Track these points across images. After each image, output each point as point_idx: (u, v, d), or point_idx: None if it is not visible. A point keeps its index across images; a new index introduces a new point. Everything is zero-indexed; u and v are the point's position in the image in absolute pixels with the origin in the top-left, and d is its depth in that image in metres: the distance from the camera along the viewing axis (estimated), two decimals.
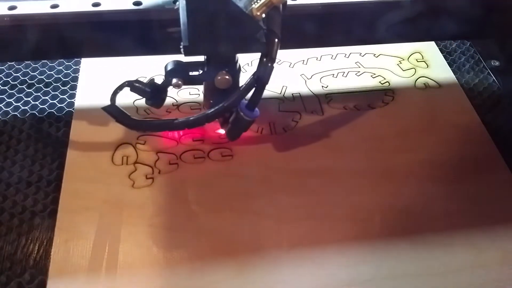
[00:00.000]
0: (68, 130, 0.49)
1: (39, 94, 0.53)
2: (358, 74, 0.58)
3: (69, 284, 0.39)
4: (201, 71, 0.42)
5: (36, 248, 0.41)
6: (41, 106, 0.52)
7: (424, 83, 0.58)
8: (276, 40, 0.38)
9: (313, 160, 0.49)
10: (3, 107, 0.52)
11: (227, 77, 0.41)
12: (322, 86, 0.57)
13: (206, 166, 0.48)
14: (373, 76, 0.58)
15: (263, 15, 0.36)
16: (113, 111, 0.42)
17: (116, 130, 0.50)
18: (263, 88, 0.40)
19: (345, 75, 0.58)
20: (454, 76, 0.59)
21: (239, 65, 0.43)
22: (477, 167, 0.50)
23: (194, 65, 0.42)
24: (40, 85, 0.54)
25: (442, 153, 0.51)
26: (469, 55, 0.63)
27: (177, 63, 0.42)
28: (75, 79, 0.55)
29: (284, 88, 0.56)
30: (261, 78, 0.39)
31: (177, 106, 0.53)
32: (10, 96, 0.53)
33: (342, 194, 0.46)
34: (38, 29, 0.42)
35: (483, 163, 0.50)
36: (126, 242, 0.42)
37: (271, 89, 0.55)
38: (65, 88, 0.54)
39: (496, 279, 0.42)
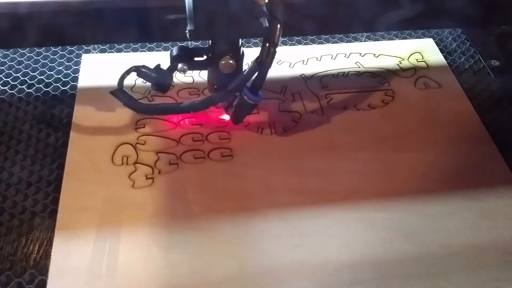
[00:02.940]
0: (68, 130, 0.49)
1: (39, 94, 0.53)
2: (358, 74, 0.58)
3: (69, 284, 0.39)
4: (205, 57, 0.43)
5: (36, 248, 0.41)
6: (41, 106, 0.52)
7: (424, 83, 0.58)
8: (279, 25, 0.38)
9: (313, 160, 0.49)
10: (3, 107, 0.52)
11: (231, 61, 0.42)
12: (322, 86, 0.57)
13: (206, 166, 0.48)
14: (373, 76, 0.58)
15: (266, 0, 0.37)
16: (120, 95, 0.43)
17: (116, 131, 0.50)
18: (266, 72, 0.41)
19: (345, 75, 0.58)
20: (454, 76, 0.59)
21: (243, 50, 0.44)
22: (477, 167, 0.50)
23: (199, 50, 0.44)
24: (40, 85, 0.54)
25: (442, 153, 0.51)
26: (469, 55, 0.63)
27: (182, 48, 0.43)
28: (75, 79, 0.55)
29: (284, 88, 0.56)
30: (263, 62, 0.40)
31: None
32: (10, 96, 0.53)
33: (342, 194, 0.46)
34: (37, 17, 0.43)
35: (483, 163, 0.50)
36: (126, 242, 0.42)
37: (271, 89, 0.55)
38: (65, 88, 0.54)
39: (496, 279, 0.42)
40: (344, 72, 0.58)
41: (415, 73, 0.59)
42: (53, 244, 0.41)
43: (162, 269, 0.40)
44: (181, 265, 0.41)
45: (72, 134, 0.49)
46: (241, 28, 0.40)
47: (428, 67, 0.60)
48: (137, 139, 0.49)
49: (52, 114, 0.51)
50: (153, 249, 0.41)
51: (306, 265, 0.41)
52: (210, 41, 0.43)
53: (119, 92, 0.43)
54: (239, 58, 0.44)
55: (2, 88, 0.53)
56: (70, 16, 0.45)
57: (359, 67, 0.59)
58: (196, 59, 0.44)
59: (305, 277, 0.41)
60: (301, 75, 0.58)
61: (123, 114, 0.51)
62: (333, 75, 0.58)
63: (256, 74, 0.42)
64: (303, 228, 0.44)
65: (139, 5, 0.46)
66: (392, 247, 0.43)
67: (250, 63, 0.42)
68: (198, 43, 0.55)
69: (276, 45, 0.39)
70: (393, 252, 0.43)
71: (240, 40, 0.44)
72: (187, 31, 0.39)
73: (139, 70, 0.44)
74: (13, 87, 0.54)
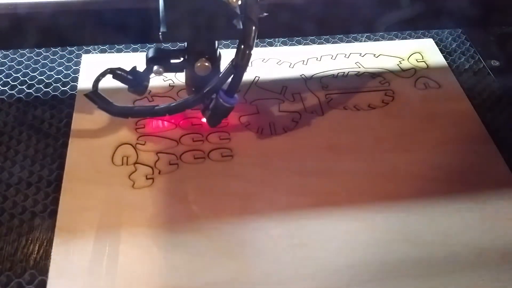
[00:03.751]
0: (68, 130, 0.49)
1: (39, 94, 0.53)
2: (358, 74, 0.58)
3: (69, 285, 0.39)
4: (182, 59, 0.43)
5: (36, 248, 0.41)
6: (41, 107, 0.52)
7: (424, 83, 0.58)
8: (253, 27, 0.38)
9: (313, 160, 0.49)
10: (3, 107, 0.52)
11: (206, 64, 0.42)
12: (322, 86, 0.57)
13: (206, 166, 0.48)
14: (373, 76, 0.58)
15: (239, 2, 0.37)
16: (95, 98, 0.43)
17: (116, 131, 0.50)
18: (241, 75, 0.41)
19: (345, 75, 0.58)
20: (454, 76, 0.59)
21: (219, 52, 0.43)
22: (477, 167, 0.50)
23: (175, 53, 0.43)
24: (40, 86, 0.54)
25: (442, 153, 0.51)
26: (469, 55, 0.63)
27: (158, 50, 0.43)
28: (75, 79, 0.55)
29: (284, 88, 0.56)
30: (239, 64, 0.40)
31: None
32: (10, 96, 0.53)
33: (342, 194, 0.46)
34: (37, 17, 0.43)
35: (483, 163, 0.50)
36: (126, 242, 0.42)
37: (271, 89, 0.55)
38: (65, 88, 0.54)
39: (496, 279, 0.42)
40: (344, 72, 0.58)
41: (415, 73, 0.59)
42: (53, 244, 0.41)
43: (162, 270, 0.40)
44: (181, 266, 0.41)
45: (72, 134, 0.49)
46: (214, 30, 0.40)
47: (428, 67, 0.60)
48: (137, 139, 0.49)
49: (52, 114, 0.51)
50: (153, 249, 0.41)
51: (306, 265, 0.41)
52: (186, 43, 0.43)
53: (93, 95, 0.43)
54: (215, 60, 0.43)
55: (2, 88, 0.53)
56: (69, 17, 0.45)
57: (359, 67, 0.59)
58: (172, 61, 0.43)
59: (305, 277, 0.41)
60: (301, 75, 0.58)
61: None
62: (333, 75, 0.58)
63: (231, 77, 0.41)
64: (303, 229, 0.44)
65: (139, 5, 0.46)
66: (392, 247, 0.43)
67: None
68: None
69: (251, 48, 0.39)
70: (393, 252, 0.43)
71: (216, 42, 0.43)
72: (160, 33, 0.39)
73: (115, 72, 0.43)
74: (13, 87, 0.54)
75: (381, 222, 0.45)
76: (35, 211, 0.44)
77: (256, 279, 0.40)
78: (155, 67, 0.42)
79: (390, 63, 0.60)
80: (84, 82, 0.54)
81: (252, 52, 0.39)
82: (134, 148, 0.49)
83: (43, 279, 0.39)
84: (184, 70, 0.45)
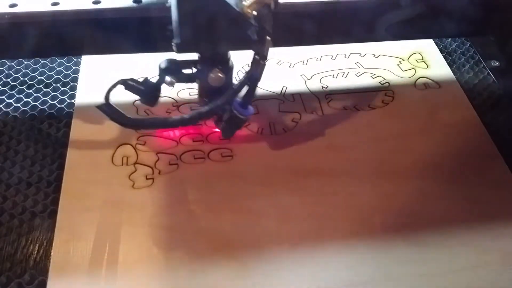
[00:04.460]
0: (68, 130, 0.49)
1: (39, 95, 0.53)
2: (358, 74, 0.58)
3: (69, 285, 0.39)
4: (194, 69, 0.43)
5: (36, 248, 0.41)
6: (41, 107, 0.52)
7: (424, 84, 0.58)
8: (268, 37, 0.38)
9: (313, 160, 0.49)
10: (3, 108, 0.52)
11: (220, 74, 0.42)
12: (322, 87, 0.57)
13: (206, 166, 0.48)
14: (373, 76, 0.58)
15: (254, 13, 0.37)
16: (107, 110, 0.42)
17: (116, 131, 0.50)
18: (255, 86, 0.41)
19: (345, 75, 0.58)
20: (454, 76, 0.59)
21: (232, 62, 0.43)
22: (477, 167, 0.50)
23: (188, 63, 0.43)
24: (40, 86, 0.54)
25: (442, 153, 0.51)
26: (469, 56, 0.63)
27: (171, 61, 0.42)
28: (75, 79, 0.55)
29: (284, 88, 0.56)
30: (253, 75, 0.39)
31: (177, 106, 0.53)
32: (10, 96, 0.53)
33: (342, 194, 0.46)
34: (39, 26, 0.42)
35: (483, 163, 0.50)
36: (126, 242, 0.42)
37: (271, 90, 0.55)
38: (65, 88, 0.54)
39: (496, 279, 0.42)
40: (344, 73, 0.58)
41: (415, 74, 0.59)
42: (53, 244, 0.41)
43: (162, 269, 0.40)
44: (181, 266, 0.41)
45: (72, 135, 0.49)
46: (228, 41, 0.39)
47: (428, 67, 0.60)
48: (137, 139, 0.49)
49: (52, 114, 0.51)
50: (153, 249, 0.41)
51: (306, 265, 0.41)
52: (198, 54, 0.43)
53: (106, 106, 0.42)
54: (228, 70, 0.43)
55: (2, 88, 0.53)
56: (69, 26, 0.44)
57: (359, 68, 0.59)
58: (184, 71, 0.43)
59: (305, 277, 0.41)
60: (301, 75, 0.58)
61: None
62: (333, 75, 0.58)
63: (246, 88, 0.41)
64: (303, 228, 0.44)
65: (140, 15, 0.45)
66: (392, 247, 0.43)
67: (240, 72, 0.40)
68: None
69: (265, 58, 0.38)
70: (393, 252, 0.43)
71: (229, 52, 0.43)
72: (173, 44, 0.39)
73: (126, 83, 0.42)
74: (13, 87, 0.54)
75: (380, 222, 0.45)
76: (35, 211, 0.44)
77: (256, 279, 0.40)
78: (168, 78, 0.42)
79: (390, 63, 0.60)
80: (84, 82, 0.54)
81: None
82: (134, 148, 0.49)
83: (43, 280, 0.39)
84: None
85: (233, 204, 0.45)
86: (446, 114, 0.55)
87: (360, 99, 0.55)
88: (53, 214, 0.43)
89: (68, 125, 0.50)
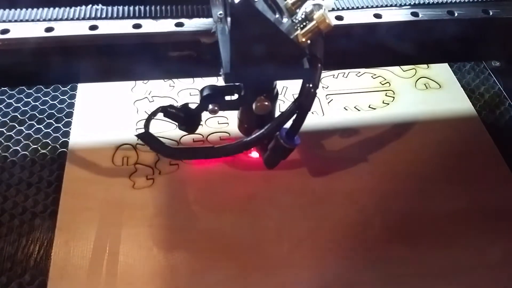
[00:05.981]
0: (68, 130, 0.50)
1: (39, 94, 0.53)
2: (358, 74, 0.58)
3: (70, 285, 0.39)
4: (237, 95, 0.40)
5: (37, 248, 0.41)
6: (41, 107, 0.52)
7: (424, 84, 0.58)
8: (319, 65, 0.36)
9: (313, 160, 0.49)
10: (3, 107, 0.52)
11: (266, 103, 0.39)
12: (322, 87, 0.57)
13: (206, 166, 0.48)
14: (374, 76, 0.58)
15: (309, 41, 0.35)
16: (147, 139, 0.40)
17: (116, 131, 0.50)
18: (305, 115, 0.38)
19: (345, 75, 0.58)
20: (454, 76, 0.59)
21: (277, 90, 0.41)
22: (477, 167, 0.50)
23: (230, 89, 0.40)
24: (40, 86, 0.54)
25: (443, 153, 0.51)
26: None
27: (213, 88, 0.40)
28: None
29: (285, 88, 0.56)
30: (303, 104, 0.37)
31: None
32: (10, 97, 0.53)
33: (342, 194, 0.46)
34: (32, 53, 0.40)
35: (483, 163, 0.50)
36: (127, 242, 0.42)
37: None
38: (65, 88, 0.54)
39: (496, 279, 0.42)
40: (344, 73, 0.58)
41: (416, 74, 0.59)
42: (54, 244, 0.41)
43: (162, 269, 0.40)
44: (181, 266, 0.41)
45: (73, 135, 0.49)
46: (280, 70, 0.37)
47: (428, 67, 0.60)
48: (138, 139, 0.49)
49: (52, 114, 0.51)
50: (153, 249, 0.41)
51: (306, 265, 0.41)
52: None
53: (146, 136, 0.39)
54: (273, 98, 0.40)
55: (3, 88, 0.53)
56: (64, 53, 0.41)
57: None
58: (227, 98, 0.40)
59: (305, 277, 0.41)
60: None
61: (123, 115, 0.51)
62: (333, 75, 0.58)
63: (294, 117, 0.38)
64: (303, 229, 0.44)
65: (140, 41, 0.42)
66: (392, 247, 0.43)
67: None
68: None
69: (317, 87, 0.36)
70: (393, 252, 0.43)
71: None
72: (221, 74, 0.36)
73: (166, 110, 0.40)
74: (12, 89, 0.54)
75: (381, 222, 0.45)
76: (36, 211, 0.44)
77: (256, 279, 0.40)
78: (210, 106, 0.39)
79: None
80: (84, 83, 0.54)
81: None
82: (135, 148, 0.49)
83: (44, 280, 0.39)
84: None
85: (233, 204, 0.45)
86: (447, 114, 0.55)
87: (361, 99, 0.55)
88: (54, 214, 0.43)
89: (68, 125, 0.50)
